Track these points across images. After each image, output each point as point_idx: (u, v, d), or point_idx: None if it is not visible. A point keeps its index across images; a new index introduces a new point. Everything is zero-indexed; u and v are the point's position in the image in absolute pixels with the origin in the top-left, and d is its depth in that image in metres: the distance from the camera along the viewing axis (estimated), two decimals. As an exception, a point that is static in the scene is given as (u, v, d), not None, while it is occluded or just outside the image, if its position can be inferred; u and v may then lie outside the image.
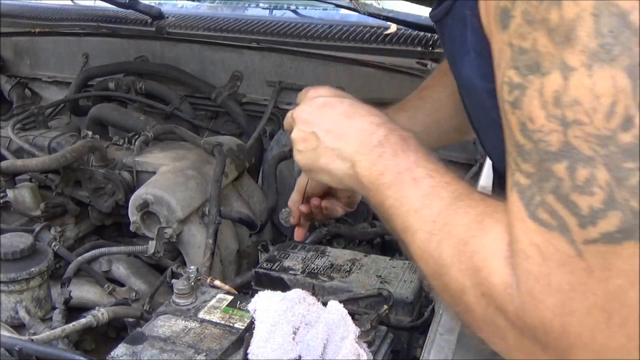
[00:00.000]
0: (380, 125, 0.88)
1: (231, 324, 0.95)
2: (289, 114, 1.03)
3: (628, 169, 0.53)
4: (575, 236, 0.56)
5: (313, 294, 1.02)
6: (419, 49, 1.89)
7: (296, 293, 0.94)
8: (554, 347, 0.60)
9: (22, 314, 1.14)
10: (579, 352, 0.59)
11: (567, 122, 0.54)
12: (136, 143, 1.52)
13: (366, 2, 1.98)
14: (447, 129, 1.21)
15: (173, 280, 1.04)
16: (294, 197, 1.20)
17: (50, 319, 1.18)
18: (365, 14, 1.95)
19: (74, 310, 1.22)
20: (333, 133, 0.93)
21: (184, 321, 0.96)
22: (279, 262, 1.20)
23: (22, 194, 1.47)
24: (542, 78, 0.55)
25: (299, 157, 0.99)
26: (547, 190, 0.57)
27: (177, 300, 1.01)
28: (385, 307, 1.05)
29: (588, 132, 0.54)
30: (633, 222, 0.53)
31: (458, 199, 0.73)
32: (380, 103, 1.76)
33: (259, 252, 1.39)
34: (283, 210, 1.29)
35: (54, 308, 1.19)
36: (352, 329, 0.91)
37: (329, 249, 1.25)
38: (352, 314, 0.94)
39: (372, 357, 0.93)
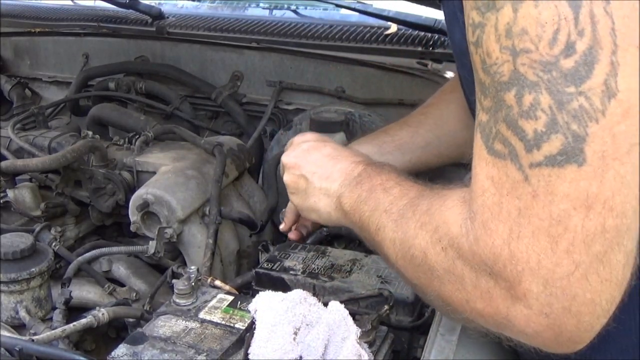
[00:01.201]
0: (360, 162, 0.98)
1: (232, 324, 0.95)
2: (281, 161, 1.12)
3: (569, 93, 0.56)
4: (523, 160, 0.59)
5: (314, 294, 1.02)
6: (419, 49, 1.89)
7: (297, 293, 0.94)
8: (504, 277, 0.62)
9: (23, 314, 1.14)
10: (527, 279, 0.60)
11: (516, 51, 0.58)
12: (136, 143, 1.52)
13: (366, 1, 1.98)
14: (448, 144, 1.25)
15: (173, 281, 1.04)
16: (290, 206, 1.22)
17: (51, 319, 1.18)
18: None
19: (74, 311, 1.22)
20: (319, 174, 1.02)
21: (184, 321, 0.96)
22: (279, 262, 1.20)
23: (22, 194, 1.47)
24: (496, 13, 0.59)
25: (293, 199, 1.09)
26: (500, 120, 0.61)
27: (177, 301, 1.01)
28: (386, 307, 1.05)
29: (533, 59, 0.57)
30: (573, 145, 0.56)
31: (424, 192, 0.80)
32: (380, 103, 1.78)
33: (260, 252, 1.39)
34: (283, 210, 1.29)
35: (54, 308, 1.19)
36: (353, 330, 0.91)
37: (329, 249, 1.25)
38: (353, 314, 0.94)
39: (372, 358, 0.93)
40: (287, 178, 1.09)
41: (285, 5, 2.36)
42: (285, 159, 1.10)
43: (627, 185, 0.57)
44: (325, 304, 0.94)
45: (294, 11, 2.31)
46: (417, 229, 0.75)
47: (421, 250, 0.74)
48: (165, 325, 0.95)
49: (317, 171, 1.02)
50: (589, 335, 0.62)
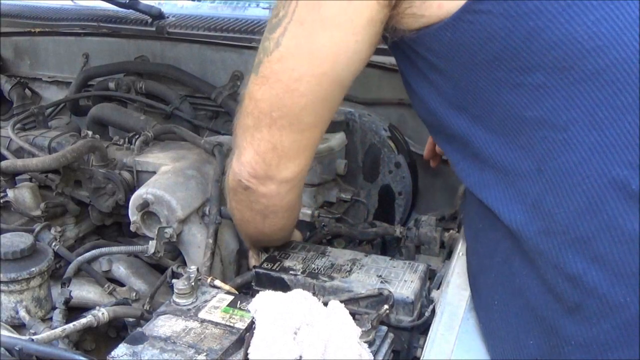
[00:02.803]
0: None
1: (232, 324, 0.95)
2: None
3: (265, 37, 0.94)
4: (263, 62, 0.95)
5: (314, 294, 1.02)
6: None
7: (297, 293, 0.94)
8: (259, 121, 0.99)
9: (23, 313, 1.14)
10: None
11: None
12: (136, 143, 1.52)
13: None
14: None
15: (173, 280, 1.04)
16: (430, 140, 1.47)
17: (51, 319, 1.18)
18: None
19: (74, 310, 1.22)
20: None
21: (184, 321, 0.96)
22: (279, 262, 1.20)
23: (22, 194, 1.47)
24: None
25: None
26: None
27: (177, 300, 1.01)
28: (386, 307, 1.05)
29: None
30: (257, 63, 0.96)
31: None
32: (380, 103, 1.78)
33: (259, 252, 1.39)
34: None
35: (54, 308, 1.19)
36: (353, 329, 0.91)
37: (329, 249, 1.25)
38: (353, 314, 0.95)
39: (372, 357, 0.93)
40: None
41: (286, 5, 2.35)
42: None
43: (276, 94, 0.95)
44: (325, 304, 0.94)
45: (294, 11, 2.30)
46: (229, 194, 1.17)
47: (231, 206, 1.20)
48: (165, 325, 0.95)
49: None
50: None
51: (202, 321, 0.96)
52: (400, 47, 0.95)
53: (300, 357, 0.86)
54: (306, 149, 1.03)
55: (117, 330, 1.27)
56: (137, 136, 1.55)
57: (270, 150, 1.00)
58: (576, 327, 0.81)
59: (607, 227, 0.79)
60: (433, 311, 1.08)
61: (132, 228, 1.35)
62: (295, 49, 0.91)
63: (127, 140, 1.57)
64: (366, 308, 1.08)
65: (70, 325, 1.03)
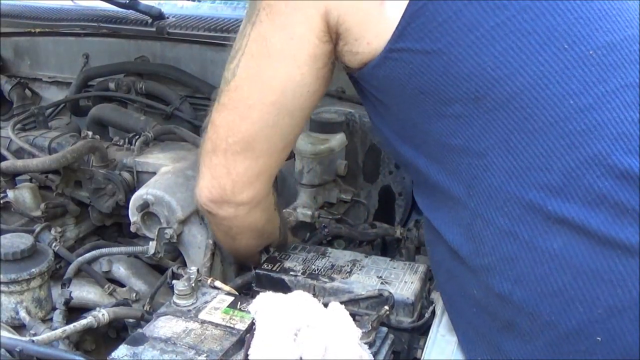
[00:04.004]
0: None
1: (232, 325, 0.95)
2: None
3: (227, 68, 1.02)
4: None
5: (314, 295, 1.02)
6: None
7: (297, 294, 0.94)
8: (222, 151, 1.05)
9: (23, 314, 1.14)
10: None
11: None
12: (136, 143, 1.52)
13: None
14: None
15: (174, 281, 1.04)
16: None
17: (51, 319, 1.18)
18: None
19: (74, 311, 1.22)
20: None
21: (184, 322, 0.96)
22: (279, 263, 1.20)
23: (22, 195, 1.47)
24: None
25: None
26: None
27: (177, 301, 1.01)
28: (386, 308, 1.05)
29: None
30: (220, 93, 1.05)
31: None
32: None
33: (260, 253, 1.39)
34: (284, 210, 1.29)
35: (54, 309, 1.19)
36: (353, 330, 0.91)
37: (329, 249, 1.25)
38: (353, 315, 0.95)
39: (372, 358, 0.93)
40: None
41: (286, 6, 2.34)
42: None
43: (232, 121, 1.03)
44: (326, 305, 0.94)
45: (294, 11, 2.30)
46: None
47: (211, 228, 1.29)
48: (165, 326, 0.95)
49: None
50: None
51: (203, 322, 0.96)
52: (355, 81, 1.01)
53: (301, 358, 0.86)
54: (260, 175, 1.08)
55: (117, 331, 1.27)
56: (137, 137, 1.55)
57: (225, 175, 1.06)
58: (512, 343, 0.85)
59: (527, 248, 0.83)
60: (433, 312, 1.09)
61: (132, 229, 1.35)
62: (248, 79, 0.99)
63: (127, 140, 1.57)
64: (366, 309, 1.08)
65: (71, 326, 1.03)
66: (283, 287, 1.15)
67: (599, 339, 0.79)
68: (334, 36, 0.94)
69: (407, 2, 0.87)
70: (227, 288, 1.08)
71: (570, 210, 0.80)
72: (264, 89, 0.99)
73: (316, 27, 0.93)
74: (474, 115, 0.86)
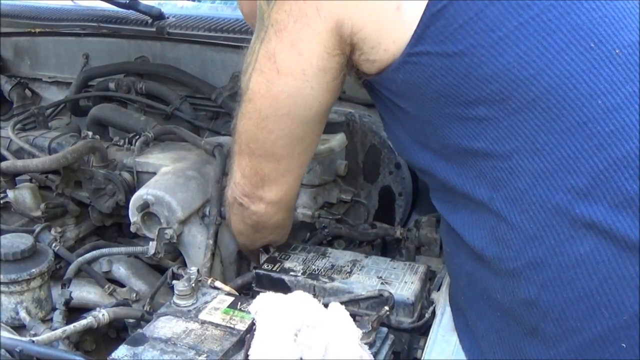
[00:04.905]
0: None
1: (232, 325, 0.95)
2: None
3: (241, 80, 1.04)
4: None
5: (314, 295, 1.02)
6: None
7: (297, 295, 0.94)
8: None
9: (23, 314, 1.14)
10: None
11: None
12: (136, 144, 1.52)
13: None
14: None
15: (174, 282, 1.04)
16: None
17: (51, 319, 1.18)
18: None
19: (74, 311, 1.22)
20: None
21: (184, 322, 0.96)
22: (279, 263, 1.20)
23: (22, 195, 1.47)
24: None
25: None
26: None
27: (177, 302, 1.01)
28: (386, 308, 1.05)
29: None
30: (243, 90, 1.05)
31: None
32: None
33: (260, 253, 1.39)
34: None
35: (54, 309, 1.19)
36: (353, 331, 0.91)
37: (329, 250, 1.25)
38: (353, 316, 0.94)
39: (373, 359, 0.93)
40: None
41: (286, 6, 2.34)
42: None
43: (250, 129, 1.05)
44: (326, 305, 0.94)
45: (294, 11, 2.29)
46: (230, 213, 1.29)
47: (230, 222, 1.29)
48: (165, 326, 0.95)
49: None
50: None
51: (203, 322, 0.96)
52: (370, 88, 1.00)
53: (301, 358, 0.86)
54: (286, 174, 1.12)
55: (117, 331, 1.27)
56: (138, 137, 1.55)
57: (254, 175, 1.11)
58: (536, 348, 0.84)
59: (554, 252, 0.82)
60: (433, 312, 1.09)
61: (133, 229, 1.35)
62: (259, 93, 1.01)
63: (127, 141, 1.57)
64: (366, 309, 1.08)
65: (71, 326, 1.03)
66: (283, 288, 1.15)
67: (623, 345, 0.78)
68: (347, 48, 0.92)
69: (425, 3, 0.84)
70: (227, 288, 1.08)
71: (597, 214, 0.79)
72: (275, 103, 1.00)
73: (326, 42, 0.92)
74: (499, 117, 0.84)
